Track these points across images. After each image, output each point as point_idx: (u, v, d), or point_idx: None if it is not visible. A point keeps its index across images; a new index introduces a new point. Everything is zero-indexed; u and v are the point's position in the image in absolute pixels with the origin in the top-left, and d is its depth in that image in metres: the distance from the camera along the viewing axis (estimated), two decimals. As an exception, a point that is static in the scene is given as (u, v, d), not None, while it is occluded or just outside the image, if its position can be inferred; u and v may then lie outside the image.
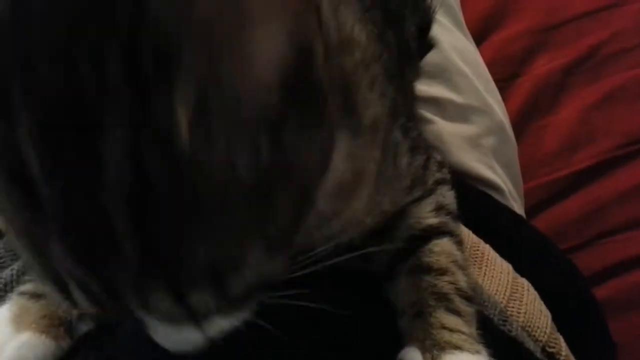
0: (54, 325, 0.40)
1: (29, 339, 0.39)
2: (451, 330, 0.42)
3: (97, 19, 0.24)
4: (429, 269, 0.45)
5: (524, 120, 0.92)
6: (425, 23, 0.66)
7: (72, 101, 0.24)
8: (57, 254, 0.27)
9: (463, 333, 0.42)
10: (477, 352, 0.41)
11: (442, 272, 0.45)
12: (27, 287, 0.42)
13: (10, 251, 0.46)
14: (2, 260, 0.45)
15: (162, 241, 0.26)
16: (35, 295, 0.41)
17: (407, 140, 0.47)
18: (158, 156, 0.24)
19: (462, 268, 0.47)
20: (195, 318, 0.29)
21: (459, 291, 0.45)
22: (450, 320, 0.43)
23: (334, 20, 0.36)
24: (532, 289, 0.56)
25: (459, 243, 0.49)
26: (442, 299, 0.44)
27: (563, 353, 0.52)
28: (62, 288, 0.29)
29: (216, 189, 0.26)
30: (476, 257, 0.56)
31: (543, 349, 0.52)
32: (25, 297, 0.41)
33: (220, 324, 0.31)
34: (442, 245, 0.47)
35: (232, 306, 0.29)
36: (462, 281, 0.45)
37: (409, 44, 0.59)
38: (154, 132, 0.24)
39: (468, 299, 0.45)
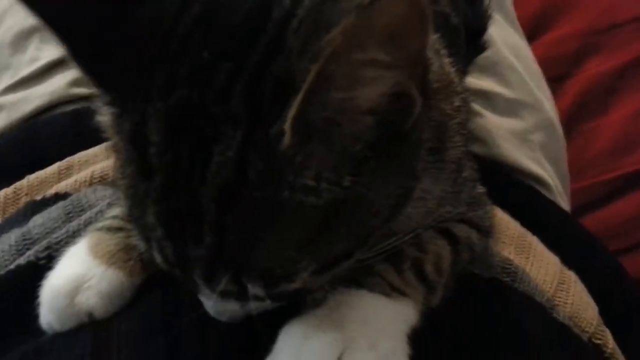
0: (130, 259, 0.41)
1: (105, 272, 0.40)
2: (372, 274, 0.38)
3: (238, 49, 0.30)
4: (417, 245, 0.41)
5: (573, 121, 0.91)
6: (480, 26, 0.67)
7: (200, 107, 0.30)
8: (149, 214, 0.31)
9: (382, 278, 0.38)
10: (386, 294, 0.37)
11: (421, 249, 0.42)
12: (103, 223, 0.44)
13: (79, 206, 0.49)
14: (70, 215, 0.48)
15: (237, 238, 0.30)
16: (112, 229, 0.42)
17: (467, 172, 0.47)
18: (261, 158, 0.29)
19: (438, 264, 0.42)
20: (244, 300, 0.33)
21: (418, 267, 0.40)
22: (383, 267, 0.38)
23: (439, 69, 0.39)
24: (579, 282, 0.56)
25: (457, 256, 0.44)
26: (396, 258, 0.39)
27: (609, 346, 0.52)
28: (147, 241, 0.33)
29: (297, 199, 0.30)
30: (523, 247, 0.56)
31: (589, 340, 0.51)
32: (102, 231, 0.43)
33: (261, 306, 0.35)
34: (440, 246, 0.43)
35: (275, 299, 0.34)
36: (428, 265, 0.41)
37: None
38: (262, 139, 0.29)
39: (423, 277, 0.40)
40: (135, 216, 0.33)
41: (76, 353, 0.37)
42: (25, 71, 0.71)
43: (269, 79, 0.29)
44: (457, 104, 0.42)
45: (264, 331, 0.35)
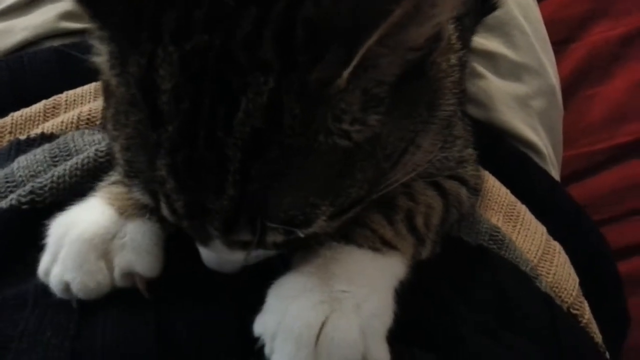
0: (139, 207, 0.38)
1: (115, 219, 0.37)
2: (363, 226, 0.37)
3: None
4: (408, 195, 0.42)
5: (572, 87, 0.90)
6: None
7: (223, 53, 0.28)
8: (158, 166, 0.30)
9: (373, 231, 0.37)
10: (376, 250, 0.37)
11: (412, 199, 0.42)
12: (113, 177, 0.41)
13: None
14: (56, 159, 0.46)
15: (261, 187, 0.29)
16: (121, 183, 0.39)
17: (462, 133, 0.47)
18: (298, 104, 0.28)
19: (428, 216, 0.42)
20: (250, 249, 0.33)
21: (409, 218, 0.40)
22: (375, 218, 0.38)
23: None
24: (563, 253, 0.57)
25: (446, 210, 0.45)
26: (388, 209, 0.39)
27: (586, 316, 0.53)
28: (152, 195, 0.32)
29: (330, 143, 0.29)
30: (511, 216, 0.57)
31: (568, 310, 0.53)
32: (114, 185, 0.40)
33: (264, 254, 0.34)
34: (431, 196, 0.44)
35: (282, 247, 0.33)
36: (419, 217, 0.41)
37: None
38: (298, 85, 0.28)
39: (413, 228, 0.40)
40: (137, 169, 0.31)
41: (64, 307, 0.35)
42: (10, -1, 0.67)
43: (300, 24, 0.28)
44: (453, 61, 0.41)
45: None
